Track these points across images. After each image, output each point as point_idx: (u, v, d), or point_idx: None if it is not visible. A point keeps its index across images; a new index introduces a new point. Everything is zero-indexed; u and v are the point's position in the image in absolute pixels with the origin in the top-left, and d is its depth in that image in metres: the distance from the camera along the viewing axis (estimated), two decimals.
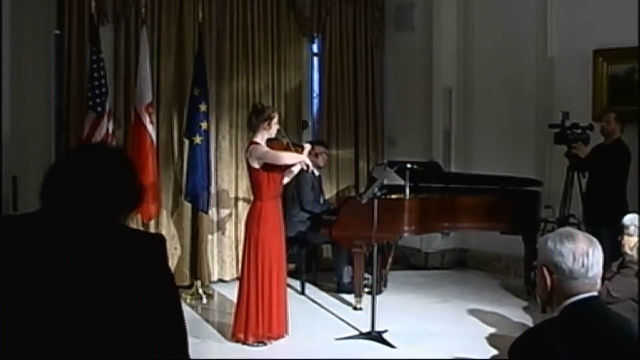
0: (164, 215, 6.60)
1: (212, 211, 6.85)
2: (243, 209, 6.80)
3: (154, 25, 6.46)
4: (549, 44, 7.04)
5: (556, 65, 7.01)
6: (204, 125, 6.40)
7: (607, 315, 2.15)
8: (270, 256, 5.17)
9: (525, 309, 6.10)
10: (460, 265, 7.83)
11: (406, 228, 6.20)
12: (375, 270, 5.65)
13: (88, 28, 5.98)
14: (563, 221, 6.06)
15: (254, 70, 7.18)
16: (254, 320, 5.13)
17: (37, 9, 3.62)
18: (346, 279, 6.60)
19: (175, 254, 6.65)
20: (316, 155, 6.77)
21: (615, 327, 2.11)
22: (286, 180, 5.44)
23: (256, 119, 5.21)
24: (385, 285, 6.81)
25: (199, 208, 6.54)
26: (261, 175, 5.18)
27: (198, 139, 6.37)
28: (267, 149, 5.18)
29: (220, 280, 6.92)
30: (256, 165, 5.15)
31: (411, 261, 7.86)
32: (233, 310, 5.26)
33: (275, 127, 5.22)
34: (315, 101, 8.02)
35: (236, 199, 7.04)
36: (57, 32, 5.82)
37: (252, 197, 5.51)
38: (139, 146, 6.12)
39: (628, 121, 6.03)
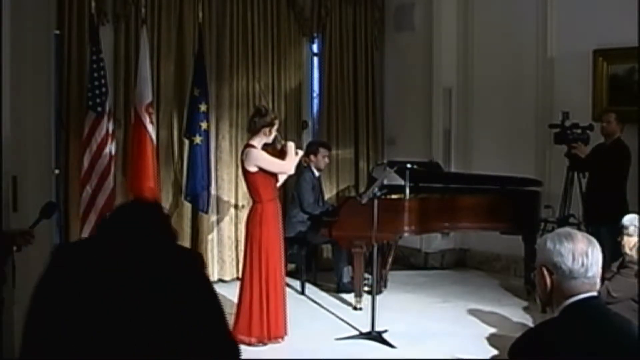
0: None
1: (212, 211, 6.85)
2: (243, 209, 6.80)
3: (154, 25, 6.47)
4: (549, 44, 7.04)
5: (556, 65, 7.00)
6: (204, 125, 6.41)
7: (606, 315, 2.15)
8: (272, 258, 5.20)
9: (525, 309, 6.10)
10: (460, 265, 7.83)
11: (406, 228, 6.19)
12: (375, 270, 5.65)
13: (88, 28, 5.99)
14: (563, 221, 6.05)
15: (254, 70, 7.18)
16: (258, 321, 5.14)
17: (37, 9, 3.62)
18: (346, 279, 6.60)
19: None
20: (317, 157, 6.78)
21: (614, 327, 2.11)
22: (281, 180, 5.43)
23: (258, 122, 5.20)
24: (385, 285, 6.81)
25: (199, 208, 6.55)
26: (258, 178, 5.18)
27: (198, 139, 6.37)
28: (264, 154, 5.17)
29: (220, 280, 6.92)
30: (252, 169, 5.15)
31: (411, 261, 7.86)
32: (233, 311, 5.27)
33: (274, 133, 5.22)
34: (315, 101, 8.01)
35: (236, 199, 7.04)
36: (57, 32, 5.82)
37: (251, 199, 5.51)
38: (139, 146, 6.12)
39: (628, 121, 6.02)
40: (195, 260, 2.25)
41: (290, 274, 7.00)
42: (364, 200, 5.57)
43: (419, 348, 5.17)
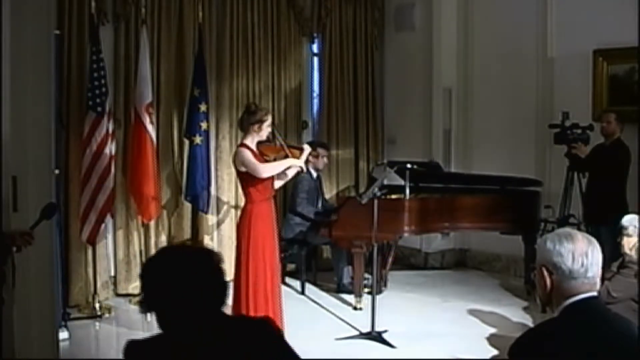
0: (164, 215, 6.60)
1: (212, 211, 6.85)
2: None
3: (154, 25, 6.47)
4: (549, 44, 7.04)
5: (556, 65, 7.01)
6: (204, 125, 6.40)
7: (606, 316, 2.16)
8: (263, 258, 5.06)
9: (525, 309, 6.10)
10: (460, 265, 7.83)
11: (406, 228, 6.19)
12: (375, 270, 5.65)
13: (88, 28, 5.99)
14: (563, 221, 6.05)
15: (254, 70, 7.18)
16: None
17: (37, 9, 3.61)
18: (346, 279, 6.60)
19: None
20: (316, 157, 6.77)
21: (614, 327, 2.11)
22: (279, 184, 5.37)
23: (247, 120, 5.15)
24: (385, 285, 6.81)
25: (199, 208, 6.55)
26: (247, 178, 5.09)
27: (198, 139, 6.37)
28: (251, 157, 5.04)
29: None
30: (242, 168, 5.08)
31: (411, 261, 7.86)
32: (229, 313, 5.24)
33: (266, 130, 5.13)
34: (315, 101, 8.02)
35: (236, 199, 7.03)
36: (57, 32, 5.81)
37: None
38: (139, 146, 6.12)
39: (628, 121, 6.02)
40: (267, 330, 2.17)
41: (290, 274, 7.02)
42: (364, 201, 5.57)
43: (419, 348, 5.17)
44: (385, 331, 5.36)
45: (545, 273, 2.16)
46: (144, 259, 6.47)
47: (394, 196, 6.35)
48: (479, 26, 7.63)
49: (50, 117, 3.85)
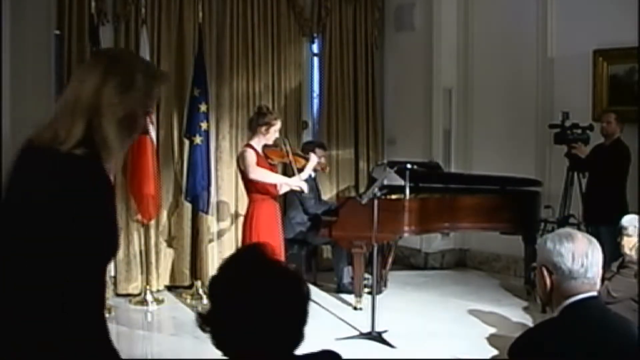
0: (164, 215, 6.60)
1: (212, 211, 6.85)
2: (243, 209, 6.78)
3: (154, 25, 6.46)
4: (549, 44, 7.04)
5: (556, 65, 7.00)
6: (204, 125, 6.40)
7: (606, 315, 2.16)
8: None
9: (525, 309, 6.10)
10: (460, 265, 7.83)
11: (406, 228, 6.19)
12: (375, 270, 5.65)
13: (88, 28, 5.98)
14: (563, 221, 6.05)
15: (254, 70, 7.18)
16: None
17: (37, 9, 3.62)
18: (346, 279, 6.60)
19: (175, 254, 6.66)
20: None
21: (614, 327, 2.11)
22: (285, 188, 5.40)
23: (256, 121, 5.19)
24: (385, 285, 6.81)
25: (199, 208, 6.54)
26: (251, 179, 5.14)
27: (198, 139, 6.37)
28: (250, 157, 5.09)
29: None
30: (243, 167, 5.12)
31: (411, 261, 7.86)
32: None
33: (274, 134, 5.18)
34: (315, 101, 8.02)
35: (236, 199, 7.04)
36: (57, 32, 5.82)
37: None
38: (139, 146, 6.11)
39: (628, 121, 6.02)
40: None
41: None
42: (364, 201, 5.57)
43: (419, 348, 5.17)
44: (385, 331, 5.36)
45: (545, 273, 2.16)
46: (144, 259, 6.47)
47: (394, 196, 6.35)
48: (479, 26, 7.63)
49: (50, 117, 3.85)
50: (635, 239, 4.57)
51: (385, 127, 8.25)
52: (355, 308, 6.09)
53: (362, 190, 7.42)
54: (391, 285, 6.89)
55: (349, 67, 7.90)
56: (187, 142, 6.51)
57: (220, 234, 7.02)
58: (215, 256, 6.94)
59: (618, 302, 4.28)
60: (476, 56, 7.67)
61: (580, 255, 2.12)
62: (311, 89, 8.01)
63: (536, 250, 2.26)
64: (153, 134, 6.18)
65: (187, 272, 6.68)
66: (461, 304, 6.23)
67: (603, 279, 3.87)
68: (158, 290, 6.50)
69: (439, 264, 7.80)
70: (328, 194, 7.56)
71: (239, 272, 1.76)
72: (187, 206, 6.63)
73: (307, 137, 7.70)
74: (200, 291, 6.47)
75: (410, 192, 6.30)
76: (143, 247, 6.48)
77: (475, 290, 6.77)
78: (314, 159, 5.49)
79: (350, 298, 6.26)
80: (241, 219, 6.61)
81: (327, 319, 5.91)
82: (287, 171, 5.99)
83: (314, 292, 6.65)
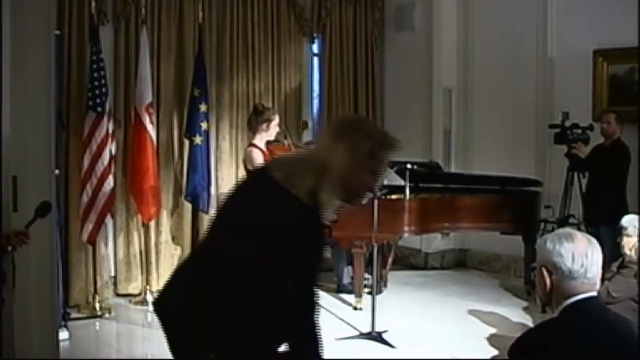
0: (164, 215, 6.60)
1: (212, 211, 6.85)
2: None
3: (154, 25, 6.47)
4: (549, 44, 7.04)
5: (556, 66, 7.01)
6: (204, 125, 6.40)
7: (606, 316, 2.16)
8: None
9: (525, 309, 6.10)
10: (460, 265, 7.83)
11: (406, 228, 6.19)
12: (375, 271, 5.66)
13: (88, 28, 5.99)
14: (563, 221, 6.06)
15: (254, 70, 7.18)
16: None
17: (37, 9, 3.62)
18: (346, 279, 6.60)
19: (175, 254, 6.65)
20: None
21: (614, 327, 2.11)
22: None
23: (255, 120, 5.21)
24: (385, 285, 6.81)
25: (199, 208, 6.54)
26: None
27: (198, 139, 6.37)
28: (255, 155, 5.12)
29: None
30: (250, 167, 5.13)
31: (411, 261, 7.86)
32: None
33: (274, 129, 5.21)
34: (315, 101, 8.02)
35: None
36: (57, 32, 5.81)
37: None
38: (139, 146, 6.13)
39: (628, 121, 6.02)
40: None
41: None
42: (364, 201, 5.55)
43: (419, 348, 5.17)
44: (385, 331, 5.36)
45: (545, 273, 2.16)
46: (144, 259, 6.48)
47: (394, 196, 6.35)
48: (479, 26, 7.63)
49: (50, 117, 3.85)
50: (635, 239, 4.57)
51: (385, 127, 8.23)
52: (355, 308, 6.09)
53: None
54: (391, 285, 6.89)
55: (349, 67, 7.90)
56: (187, 142, 6.51)
57: None
58: None
59: (618, 302, 4.29)
60: (476, 56, 7.67)
61: (580, 256, 2.12)
62: (311, 89, 8.01)
63: (536, 251, 2.26)
64: (153, 134, 6.18)
65: None
66: (461, 304, 6.23)
67: (603, 279, 3.87)
68: (158, 290, 6.50)
69: (439, 264, 7.80)
70: None
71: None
72: (187, 206, 6.63)
73: (307, 137, 7.70)
74: None
75: (410, 192, 6.31)
76: (143, 247, 6.49)
77: (475, 291, 6.77)
78: None
79: (350, 298, 6.26)
80: None
81: (327, 319, 5.88)
82: None
83: None
